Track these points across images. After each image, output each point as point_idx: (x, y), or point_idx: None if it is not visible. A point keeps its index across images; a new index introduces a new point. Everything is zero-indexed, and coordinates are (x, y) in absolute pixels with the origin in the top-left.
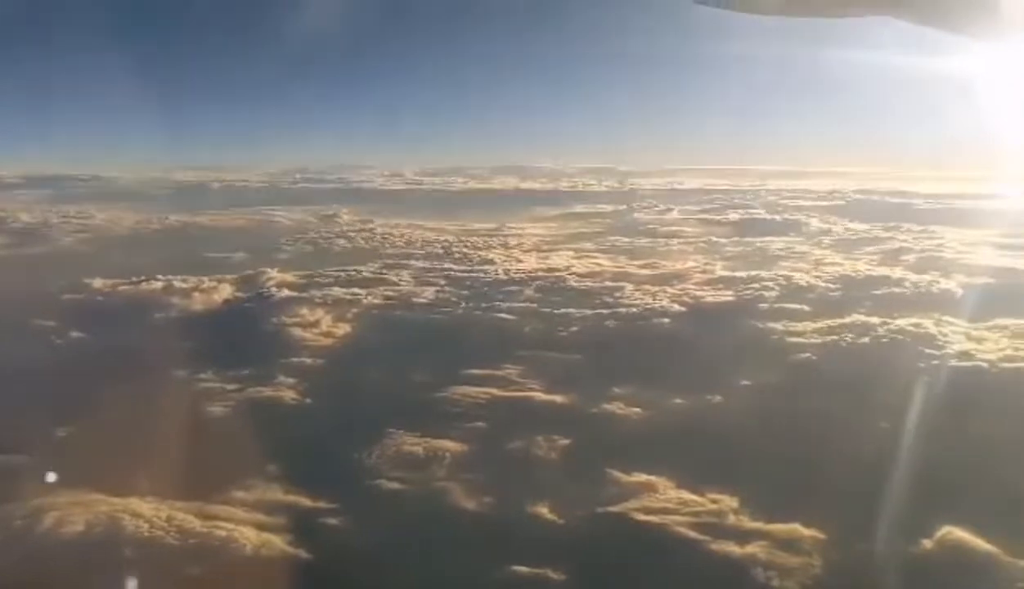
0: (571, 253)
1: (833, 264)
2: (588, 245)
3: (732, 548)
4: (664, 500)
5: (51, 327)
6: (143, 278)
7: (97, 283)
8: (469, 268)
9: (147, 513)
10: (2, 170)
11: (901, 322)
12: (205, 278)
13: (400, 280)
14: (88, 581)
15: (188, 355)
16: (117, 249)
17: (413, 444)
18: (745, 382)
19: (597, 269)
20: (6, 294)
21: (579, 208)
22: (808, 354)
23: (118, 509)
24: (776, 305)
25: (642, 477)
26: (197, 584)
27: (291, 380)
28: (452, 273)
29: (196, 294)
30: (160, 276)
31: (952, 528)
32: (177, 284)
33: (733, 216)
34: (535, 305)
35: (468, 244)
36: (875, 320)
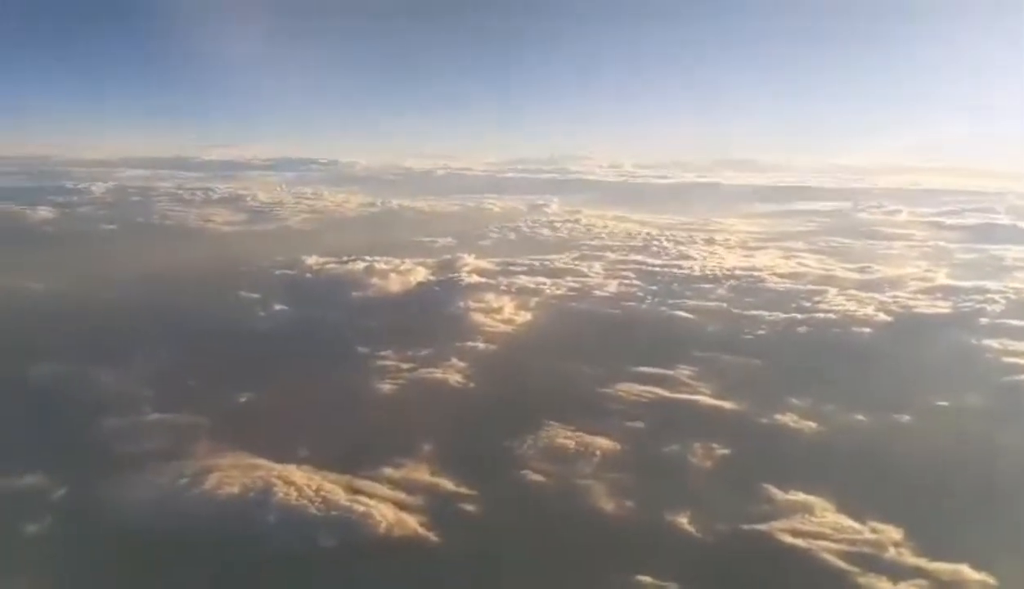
0: (778, 252)
1: None
2: (799, 244)
3: (883, 584)
4: (818, 523)
5: (257, 299)
6: (351, 257)
7: (310, 260)
8: (664, 263)
9: (299, 481)
10: (253, 153)
11: None
12: (406, 260)
13: (590, 272)
14: (229, 545)
15: (374, 333)
16: (337, 229)
17: (566, 437)
18: (942, 403)
19: (801, 270)
20: (226, 266)
21: (799, 205)
22: (1023, 377)
23: (274, 475)
24: (998, 320)
25: (799, 496)
26: (327, 555)
27: (462, 364)
28: (645, 267)
29: (393, 275)
30: (367, 257)
31: None
32: (378, 265)
33: (970, 220)
34: (725, 305)
35: (670, 238)
36: None
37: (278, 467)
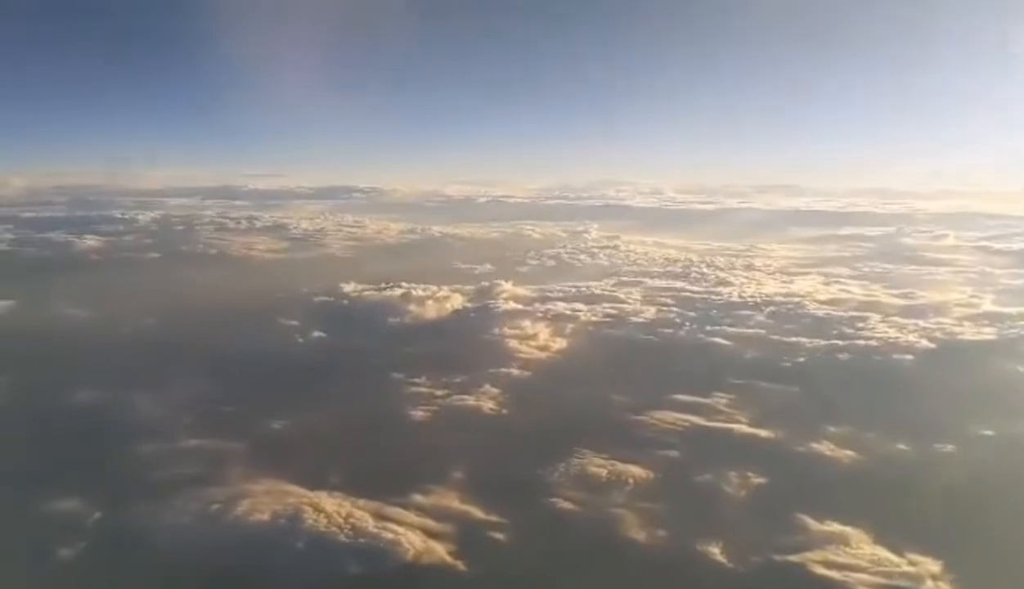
0: (820, 278)
1: None
2: (842, 270)
3: None
4: (853, 555)
5: (295, 326)
6: (389, 284)
7: (348, 288)
8: (704, 289)
9: (329, 508)
10: (297, 182)
11: None
12: (443, 287)
13: (628, 298)
14: (257, 571)
15: (409, 360)
16: (377, 257)
17: (599, 466)
18: (987, 432)
19: (844, 296)
20: (266, 293)
21: (844, 230)
22: None
23: (305, 502)
24: None
25: (835, 527)
26: (354, 582)
27: (495, 391)
28: (684, 293)
29: (430, 302)
30: (404, 283)
31: None
32: (416, 292)
33: (1017, 245)
34: (764, 331)
35: (710, 264)
36: None
37: (309, 494)
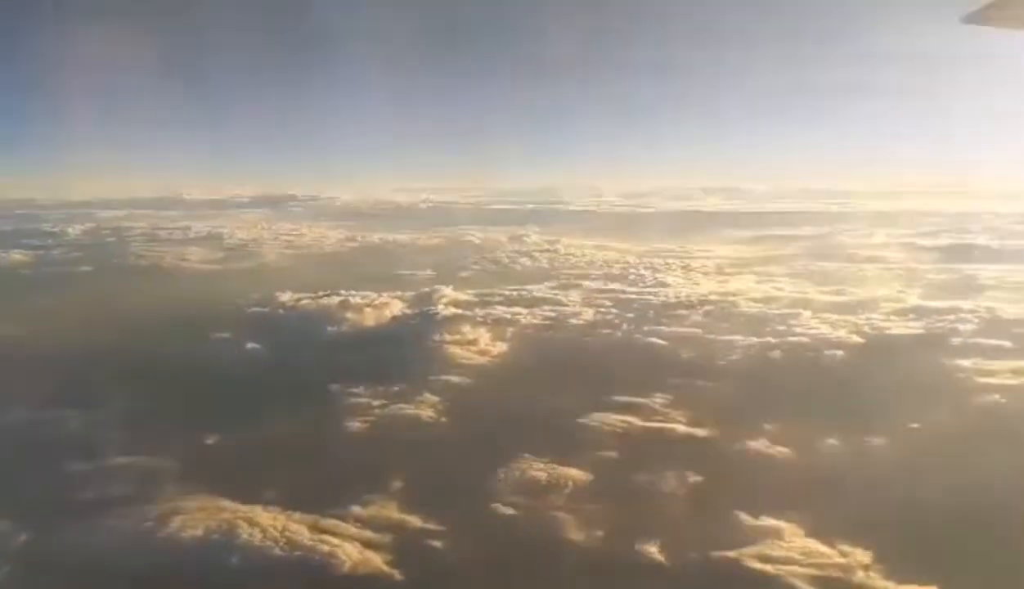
0: (754, 277)
1: None
2: (775, 269)
3: None
4: (787, 548)
5: (228, 338)
6: (326, 293)
7: (284, 297)
8: (641, 290)
9: (264, 522)
10: (236, 190)
11: None
12: (382, 294)
13: (568, 300)
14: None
15: (346, 369)
16: (315, 265)
17: (539, 470)
18: (914, 425)
19: (776, 294)
20: (199, 306)
21: (779, 230)
22: (996, 396)
23: (239, 516)
24: (971, 340)
25: (770, 522)
26: None
27: (434, 398)
28: (622, 295)
29: (368, 310)
30: (342, 291)
31: None
32: (354, 299)
33: (945, 241)
34: (700, 330)
35: (648, 265)
36: None
37: (244, 508)
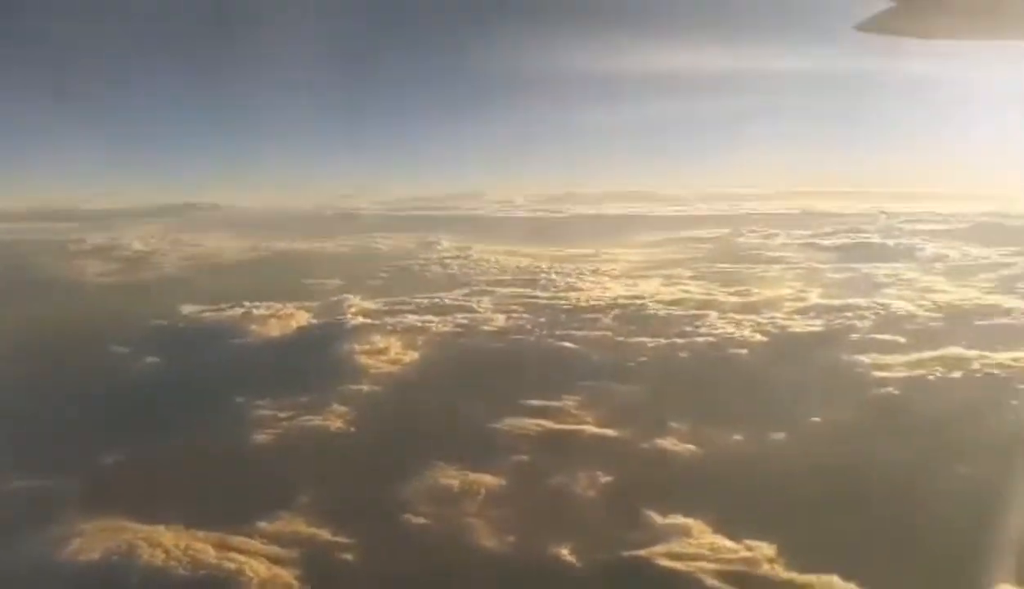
0: (662, 280)
1: (941, 292)
2: (683, 271)
3: None
4: (696, 545)
5: (127, 353)
6: (229, 304)
7: (185, 310)
8: (552, 295)
9: (167, 542)
10: (134, 200)
11: (1002, 356)
12: (287, 305)
13: (479, 307)
14: None
15: (251, 382)
16: (217, 276)
17: (451, 477)
18: (815, 419)
19: (684, 296)
20: (96, 320)
21: (684, 233)
22: (890, 389)
23: (140, 536)
24: (868, 336)
25: (679, 519)
26: None
27: (343, 409)
28: (534, 300)
29: (273, 320)
30: (246, 302)
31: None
32: (257, 311)
33: (842, 241)
34: (610, 333)
35: (559, 270)
36: (973, 354)
37: (145, 528)
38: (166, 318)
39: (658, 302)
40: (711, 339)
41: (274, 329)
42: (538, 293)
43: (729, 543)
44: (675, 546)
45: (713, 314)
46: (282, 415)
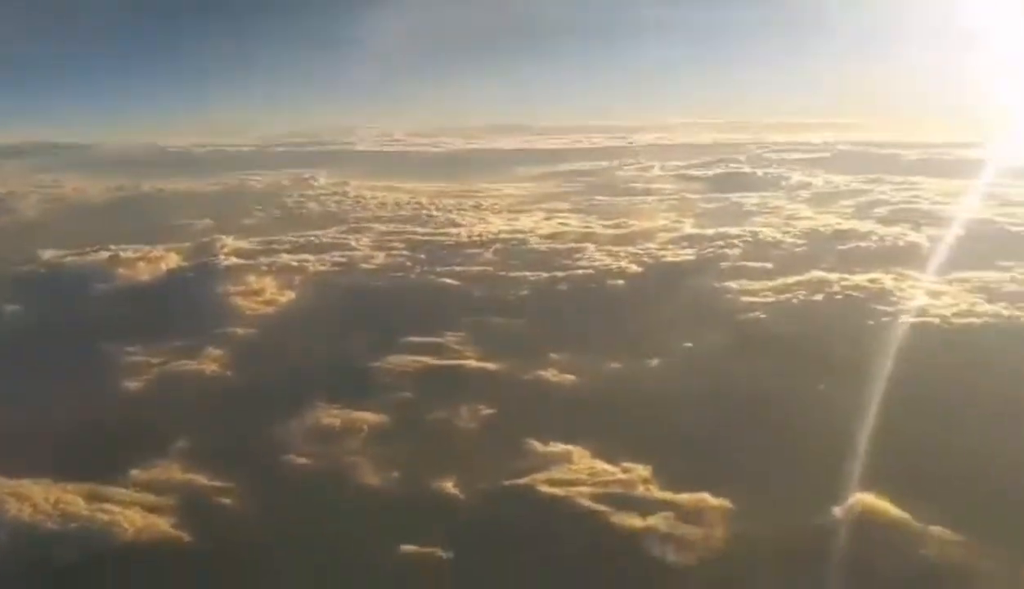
0: (542, 214)
1: (805, 219)
2: (563, 205)
3: (633, 520)
4: (575, 471)
5: None
6: (93, 248)
7: (46, 254)
8: (432, 231)
9: (35, 496)
10: None
11: (859, 278)
12: (156, 247)
13: (358, 245)
14: None
15: (119, 328)
16: (80, 219)
17: (332, 416)
18: (687, 344)
19: (563, 230)
20: None
21: (564, 167)
22: (757, 313)
23: (6, 491)
24: (738, 263)
25: (559, 447)
26: (66, 571)
27: (219, 352)
28: (414, 236)
29: (142, 264)
30: (112, 245)
31: (865, 495)
32: (124, 254)
33: (714, 172)
34: (491, 268)
35: (440, 206)
36: (833, 276)
37: (10, 483)
38: (27, 264)
39: (539, 236)
40: (589, 271)
41: (143, 273)
42: (418, 229)
43: (607, 466)
44: (556, 473)
45: (591, 246)
46: (154, 361)
